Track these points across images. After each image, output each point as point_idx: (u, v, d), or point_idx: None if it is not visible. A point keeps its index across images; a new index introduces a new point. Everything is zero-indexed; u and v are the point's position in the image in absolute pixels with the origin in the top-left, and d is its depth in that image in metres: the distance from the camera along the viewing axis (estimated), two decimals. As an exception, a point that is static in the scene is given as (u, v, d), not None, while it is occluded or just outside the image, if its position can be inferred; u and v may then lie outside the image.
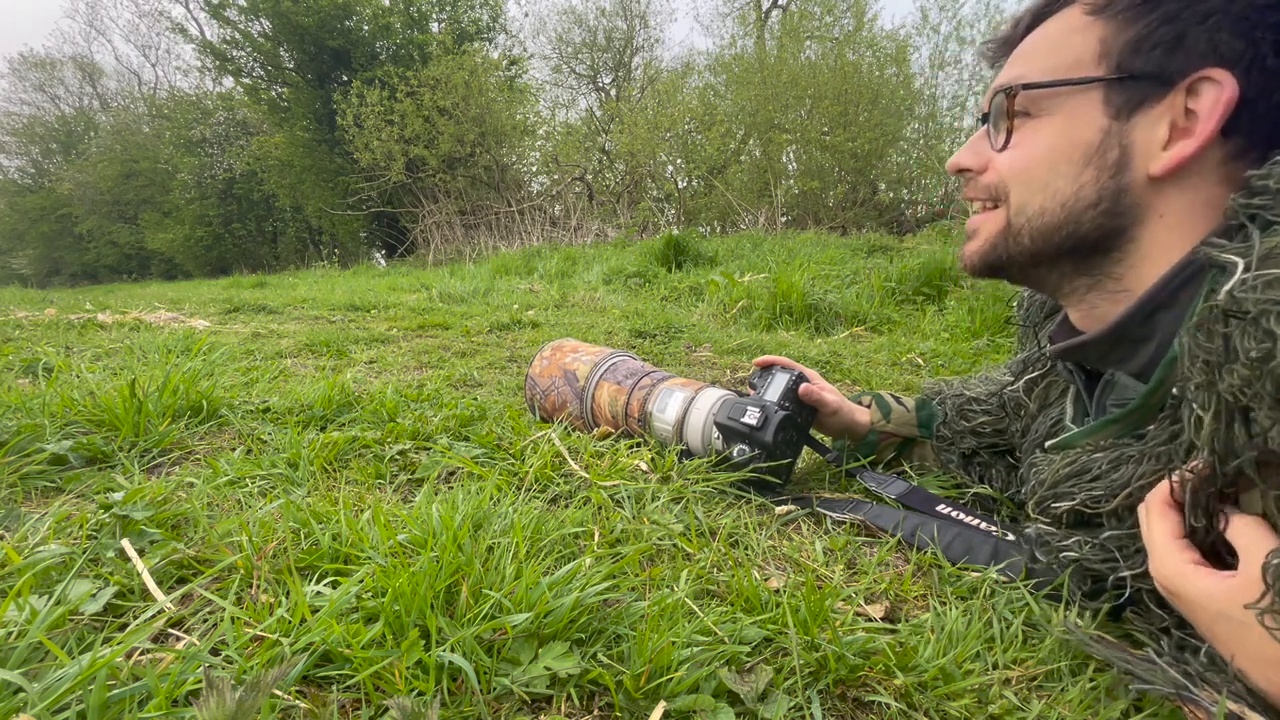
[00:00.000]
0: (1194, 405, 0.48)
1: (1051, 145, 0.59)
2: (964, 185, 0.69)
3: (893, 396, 1.00)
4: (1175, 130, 0.54)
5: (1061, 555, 0.60)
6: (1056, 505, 0.62)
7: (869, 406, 1.00)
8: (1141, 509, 0.54)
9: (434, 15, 10.92)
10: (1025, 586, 0.62)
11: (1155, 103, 0.54)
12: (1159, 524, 0.51)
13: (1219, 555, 0.49)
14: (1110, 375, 0.64)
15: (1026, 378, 0.79)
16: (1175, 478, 0.50)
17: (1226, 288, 0.46)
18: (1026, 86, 0.59)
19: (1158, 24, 0.53)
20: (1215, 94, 0.51)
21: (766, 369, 0.96)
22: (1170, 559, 0.49)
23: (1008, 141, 0.62)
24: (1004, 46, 0.66)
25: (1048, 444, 0.68)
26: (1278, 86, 0.51)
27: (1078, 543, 0.59)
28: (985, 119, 0.66)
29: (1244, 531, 0.46)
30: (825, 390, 0.95)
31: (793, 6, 10.63)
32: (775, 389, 0.90)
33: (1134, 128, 0.55)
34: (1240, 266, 0.46)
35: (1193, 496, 0.48)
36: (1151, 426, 0.56)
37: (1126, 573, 0.55)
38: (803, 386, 0.93)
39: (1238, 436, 0.45)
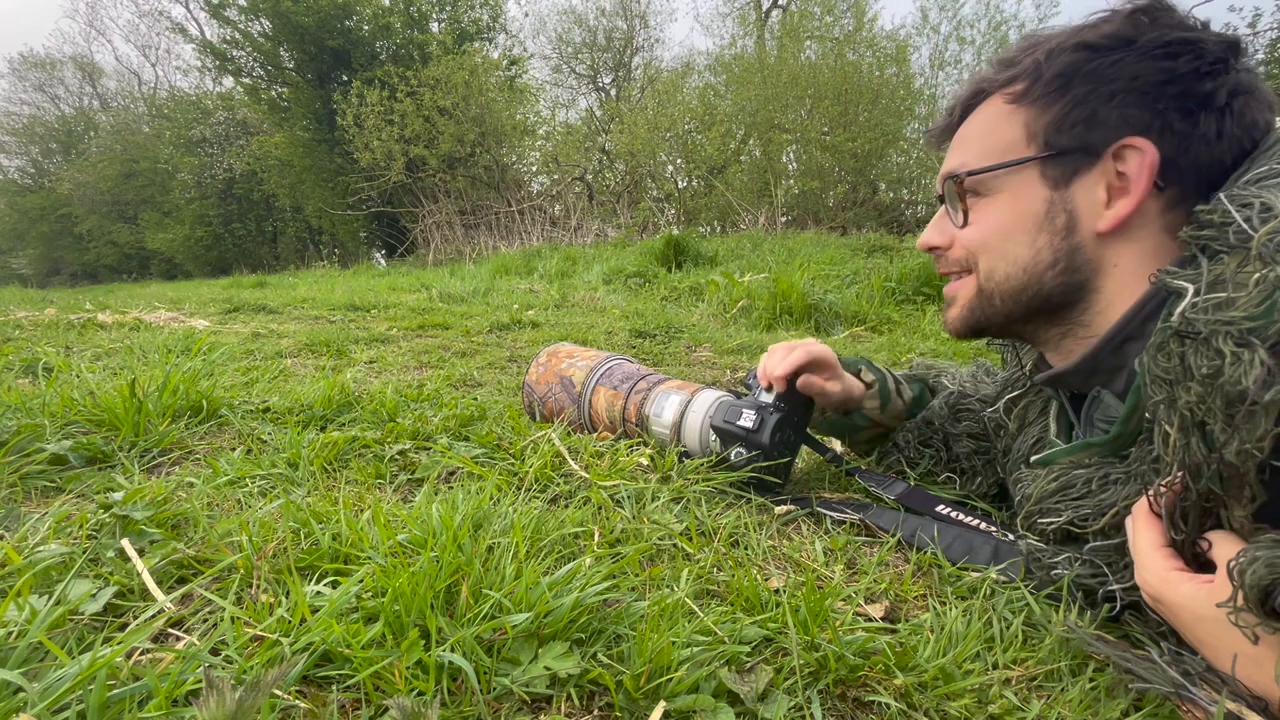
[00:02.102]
0: (1162, 423, 0.52)
1: (1003, 219, 0.65)
2: (935, 262, 0.75)
3: (893, 379, 0.96)
4: (1113, 191, 0.60)
5: (1052, 574, 0.62)
6: (1044, 521, 0.65)
7: (871, 385, 0.94)
8: (1129, 519, 0.56)
9: (434, 15, 10.92)
10: (1025, 586, 0.62)
11: (1088, 170, 0.61)
12: (1145, 533, 0.53)
13: (1204, 566, 0.50)
14: (1096, 392, 0.67)
15: (1007, 398, 0.82)
16: (1152, 492, 0.53)
17: (1179, 310, 0.50)
18: (971, 173, 0.66)
19: (1071, 106, 0.60)
20: (1139, 159, 0.58)
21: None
22: (1155, 566, 0.51)
23: (966, 220, 0.68)
24: (945, 132, 0.73)
25: (1032, 459, 0.72)
26: (1191, 145, 0.57)
27: (1067, 559, 0.61)
28: (942, 200, 0.72)
29: (1222, 544, 0.49)
30: (829, 382, 0.88)
31: (793, 6, 10.63)
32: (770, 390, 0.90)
33: (1074, 194, 0.61)
34: (1191, 291, 0.51)
35: (1169, 510, 0.51)
36: (1134, 449, 0.59)
37: (1115, 586, 0.58)
38: (802, 378, 0.87)
39: (1198, 450, 0.48)
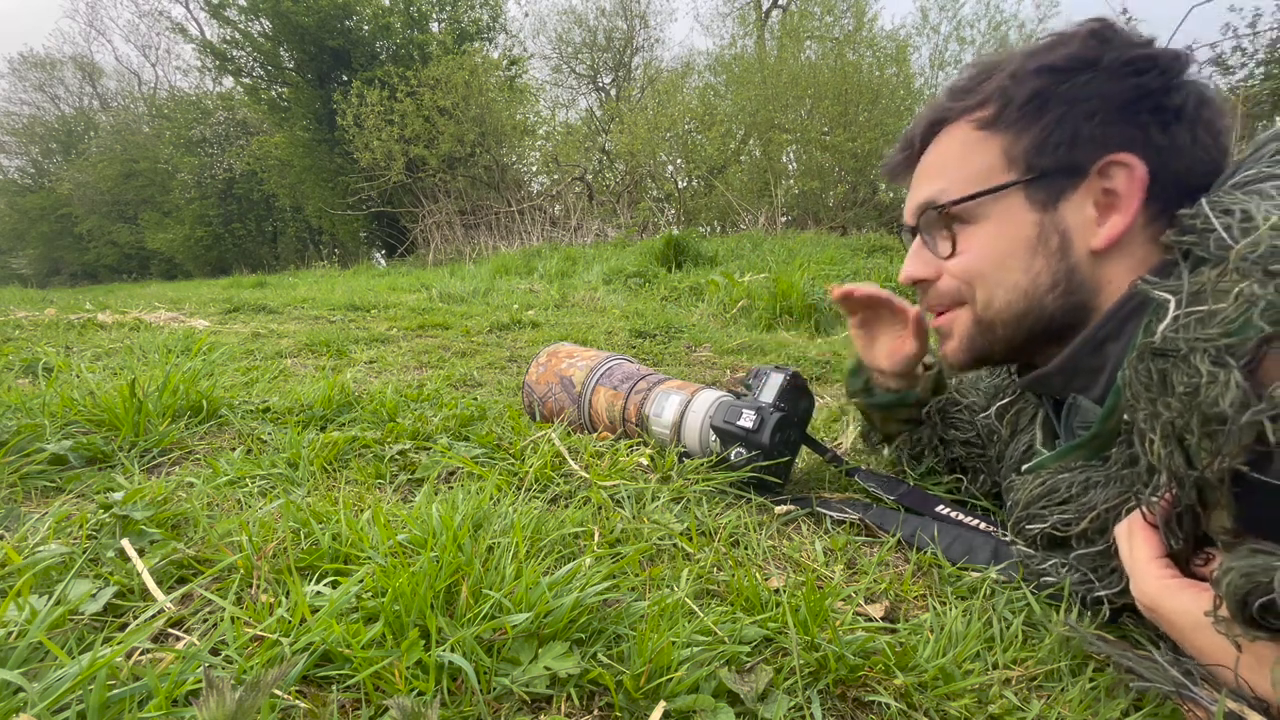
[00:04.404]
0: (1146, 432, 0.51)
1: (996, 246, 0.64)
2: (921, 296, 0.73)
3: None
4: (1100, 207, 0.60)
5: (1041, 580, 0.62)
6: (1030, 527, 0.66)
7: (931, 367, 0.92)
8: (1121, 532, 0.56)
9: (434, 15, 10.91)
10: (1026, 587, 0.62)
11: (1074, 189, 0.60)
12: (1140, 547, 0.53)
13: (1200, 579, 0.50)
14: (1073, 399, 0.67)
15: (998, 404, 0.82)
16: (1144, 504, 0.53)
17: (1161, 327, 0.50)
18: (955, 202, 0.65)
19: (1052, 128, 0.60)
20: (1128, 175, 0.58)
21: (760, 370, 0.95)
22: (1151, 577, 0.51)
23: (954, 250, 0.67)
24: (907, 164, 0.72)
25: (1023, 468, 0.71)
26: (1171, 157, 0.58)
27: (1054, 566, 0.62)
28: (914, 231, 0.70)
29: (1217, 558, 0.49)
30: (900, 339, 0.86)
31: (793, 6, 10.63)
32: (770, 390, 0.90)
33: (1063, 214, 0.61)
34: (1172, 304, 0.50)
35: (1164, 518, 0.51)
36: (1113, 451, 0.59)
37: (1103, 592, 0.58)
38: (858, 318, 0.87)
39: (1179, 463, 0.48)
